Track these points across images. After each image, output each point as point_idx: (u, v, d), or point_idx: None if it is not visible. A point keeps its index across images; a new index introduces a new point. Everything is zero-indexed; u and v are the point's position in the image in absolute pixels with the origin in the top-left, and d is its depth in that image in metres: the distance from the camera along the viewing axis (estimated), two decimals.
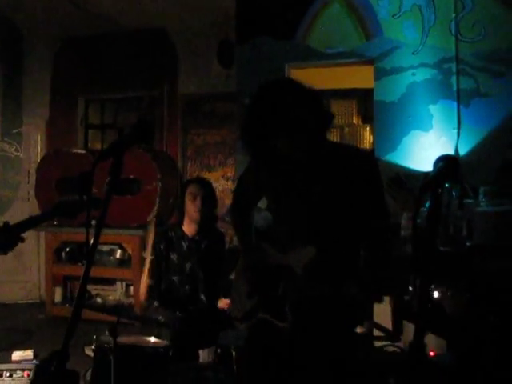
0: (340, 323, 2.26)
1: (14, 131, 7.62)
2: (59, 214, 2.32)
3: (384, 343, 4.13)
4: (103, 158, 1.66)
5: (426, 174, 1.35)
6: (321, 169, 2.24)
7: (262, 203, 2.52)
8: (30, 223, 2.40)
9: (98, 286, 6.76)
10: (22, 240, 2.43)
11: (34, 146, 7.66)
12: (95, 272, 6.58)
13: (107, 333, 3.00)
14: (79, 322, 1.56)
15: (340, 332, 2.27)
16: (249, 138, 2.18)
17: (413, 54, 5.47)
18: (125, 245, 6.49)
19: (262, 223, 2.55)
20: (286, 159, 2.19)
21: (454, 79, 5.37)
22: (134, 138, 1.73)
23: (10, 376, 3.19)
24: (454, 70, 5.36)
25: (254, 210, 2.60)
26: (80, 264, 6.76)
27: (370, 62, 5.68)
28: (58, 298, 6.78)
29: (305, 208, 2.27)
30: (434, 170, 1.40)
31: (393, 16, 5.54)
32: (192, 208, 3.72)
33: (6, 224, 2.40)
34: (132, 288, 6.56)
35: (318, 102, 2.19)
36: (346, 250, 2.28)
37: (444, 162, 1.42)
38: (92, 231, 1.65)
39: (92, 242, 1.63)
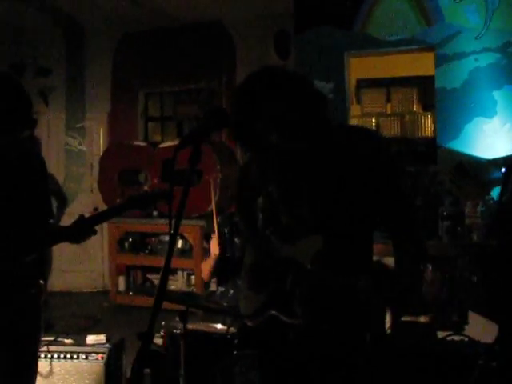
0: (354, 316, 2.13)
1: (78, 125, 7.84)
2: (131, 208, 2.39)
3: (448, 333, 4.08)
4: (183, 145, 1.70)
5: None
6: (324, 155, 2.11)
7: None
8: (104, 216, 2.48)
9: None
10: (95, 232, 2.53)
11: (97, 140, 7.86)
12: (157, 261, 6.74)
13: (177, 319, 3.08)
14: (144, 308, 1.60)
15: (352, 329, 2.14)
16: (238, 138, 2.08)
17: (475, 38, 5.35)
18: (186, 235, 6.59)
19: (268, 215, 2.44)
20: (284, 152, 2.07)
21: None
22: (212, 125, 1.75)
23: (86, 358, 3.32)
24: None
25: (258, 202, 2.44)
26: (142, 254, 6.91)
27: (430, 48, 5.58)
28: (121, 286, 6.95)
29: (311, 196, 2.14)
30: None
31: (454, 1, 5.43)
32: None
33: (81, 217, 2.49)
34: (193, 277, 6.66)
35: (307, 88, 2.05)
36: (357, 241, 2.15)
37: None
38: (158, 222, 1.68)
39: (173, 232, 1.67)
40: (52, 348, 3.36)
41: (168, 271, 1.66)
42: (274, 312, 2.16)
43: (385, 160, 2.10)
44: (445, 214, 4.62)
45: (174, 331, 3.21)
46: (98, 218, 2.53)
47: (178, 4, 6.80)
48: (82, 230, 2.48)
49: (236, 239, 3.83)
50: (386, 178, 2.09)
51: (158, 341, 3.43)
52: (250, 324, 2.28)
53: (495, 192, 4.71)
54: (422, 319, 4.43)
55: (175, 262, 6.81)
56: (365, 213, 2.11)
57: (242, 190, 2.45)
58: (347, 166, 2.08)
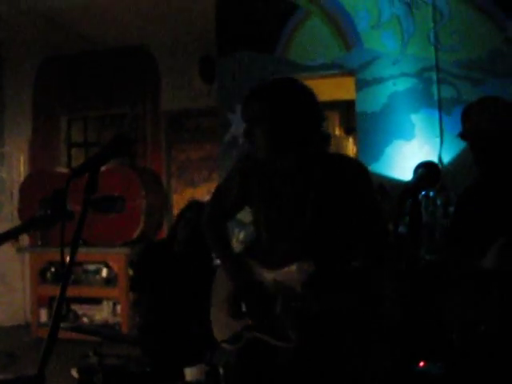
0: (347, 338, 2.19)
1: None
2: (32, 229, 2.31)
3: None
4: (78, 174, 1.63)
5: (407, 181, 1.33)
6: (313, 178, 2.19)
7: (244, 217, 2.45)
8: (4, 237, 2.39)
9: (85, 306, 6.68)
10: None
11: (17, 166, 7.60)
12: (81, 292, 6.53)
13: (91, 354, 2.96)
14: (61, 343, 1.52)
15: (349, 347, 2.20)
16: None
17: (393, 64, 5.50)
18: (111, 263, 6.42)
19: (246, 239, 2.48)
20: (279, 167, 2.17)
21: (434, 88, 5.40)
22: (110, 152, 1.69)
23: None
24: (435, 78, 5.39)
25: (228, 223, 2.50)
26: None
27: (350, 73, 5.69)
28: (43, 319, 6.69)
29: (298, 221, 2.19)
30: (414, 177, 1.39)
31: (372, 27, 5.57)
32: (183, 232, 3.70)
33: None
34: (119, 307, 6.48)
35: (317, 120, 2.23)
36: (343, 262, 2.22)
37: (424, 169, 1.40)
38: (82, 251, 1.62)
39: (68, 260, 1.60)
40: None
41: (62, 303, 1.57)
42: (263, 336, 2.18)
43: (369, 183, 2.25)
44: None
45: (90, 366, 3.08)
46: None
47: (102, 27, 6.70)
48: None
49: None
50: (368, 199, 2.21)
51: (75, 374, 3.30)
52: (228, 348, 2.29)
53: None
54: None
55: (100, 292, 6.62)
56: (351, 233, 2.19)
57: (216, 208, 2.43)
58: (334, 187, 2.17)
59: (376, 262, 2.23)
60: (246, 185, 2.30)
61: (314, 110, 2.24)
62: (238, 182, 2.33)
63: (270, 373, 2.24)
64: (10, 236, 2.51)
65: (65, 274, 1.60)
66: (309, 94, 2.27)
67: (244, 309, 2.23)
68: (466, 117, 2.55)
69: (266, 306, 2.18)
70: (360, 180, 2.22)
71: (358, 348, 2.22)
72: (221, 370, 3.08)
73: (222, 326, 2.34)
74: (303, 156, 2.18)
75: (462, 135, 2.44)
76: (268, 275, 2.22)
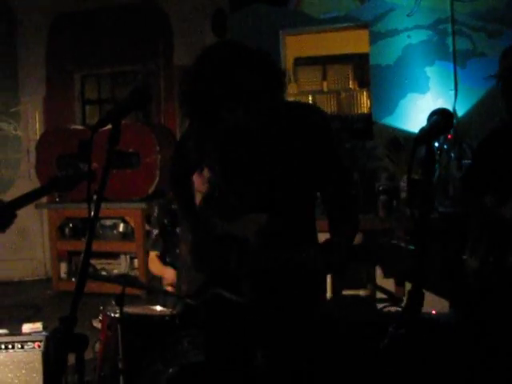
0: (302, 291, 2.15)
1: (12, 110, 7.60)
2: (54, 190, 2.35)
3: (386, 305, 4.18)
4: (101, 125, 1.67)
5: (421, 128, 1.34)
6: (270, 131, 2.09)
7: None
8: (25, 200, 2.42)
9: (103, 260, 6.82)
10: (15, 216, 2.47)
11: (33, 124, 7.65)
12: (99, 246, 6.65)
13: (113, 302, 3.06)
14: (84, 293, 1.59)
15: (303, 301, 2.17)
16: (191, 107, 2.02)
17: (407, 16, 5.44)
18: (127, 218, 6.52)
19: (206, 192, 2.38)
20: (233, 122, 2.02)
21: (449, 40, 5.35)
22: (131, 104, 1.73)
23: (22, 347, 3.25)
24: (450, 30, 5.34)
25: (192, 176, 2.43)
26: (84, 239, 6.78)
27: (364, 25, 5.65)
28: (63, 273, 6.84)
29: (254, 172, 2.13)
30: (427, 124, 1.41)
31: None
32: (198, 180, 3.71)
33: (0, 203, 2.42)
34: (136, 261, 6.61)
35: (266, 62, 2.04)
36: (301, 214, 2.16)
37: (438, 116, 1.42)
38: (93, 205, 1.67)
39: (92, 215, 1.65)
40: None
41: (89, 254, 1.65)
42: (218, 290, 2.14)
43: (326, 131, 2.14)
44: (381, 188, 4.72)
45: (111, 315, 3.18)
46: (19, 201, 2.48)
47: None
48: (2, 216, 2.43)
49: (178, 230, 3.73)
50: (326, 149, 2.12)
51: (97, 325, 3.41)
52: (192, 303, 2.31)
53: None
54: (362, 292, 4.54)
55: (117, 246, 6.74)
56: (306, 186, 2.13)
57: (178, 166, 2.40)
58: (289, 139, 2.08)
59: (350, 224, 2.18)
60: (202, 143, 2.23)
61: (272, 66, 2.07)
62: (192, 142, 2.25)
63: (234, 327, 2.21)
64: (33, 198, 2.52)
65: (90, 227, 1.66)
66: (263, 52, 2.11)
67: (203, 262, 2.20)
68: (503, 57, 2.52)
69: (221, 259, 2.13)
70: (325, 136, 2.14)
71: (307, 302, 2.19)
72: None
73: (186, 280, 2.31)
74: (268, 115, 2.07)
75: (497, 75, 2.40)
76: (225, 228, 2.17)
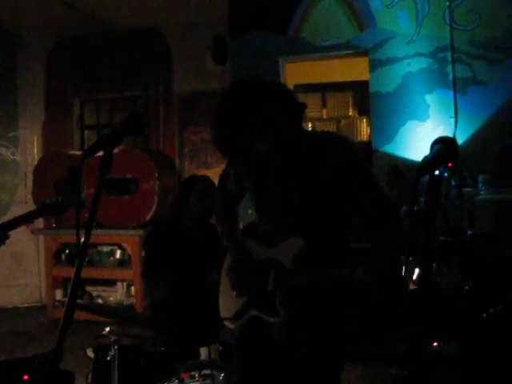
0: (333, 311, 2.21)
1: (10, 134, 7.58)
2: (44, 214, 2.33)
3: None
4: (92, 151, 1.62)
5: (424, 157, 1.30)
6: (298, 160, 2.18)
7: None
8: (16, 222, 2.42)
9: (99, 288, 6.74)
10: (8, 237, 2.46)
11: (31, 149, 7.62)
12: (95, 273, 6.58)
13: (106, 332, 2.97)
14: (76, 323, 1.53)
15: (334, 321, 2.22)
16: (220, 141, 2.11)
17: (407, 43, 5.44)
18: (124, 245, 6.45)
19: (246, 221, 2.52)
20: (262, 157, 2.11)
21: (449, 68, 5.34)
22: (125, 130, 1.69)
23: None
24: (450, 58, 5.34)
25: (237, 210, 2.58)
26: None
27: (364, 53, 5.65)
28: (58, 300, 6.75)
29: (287, 201, 2.22)
30: (431, 152, 1.36)
31: (386, 6, 5.51)
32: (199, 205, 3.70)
33: None
34: (133, 288, 6.53)
35: (285, 95, 2.11)
36: (333, 239, 2.24)
37: (441, 144, 1.38)
38: (96, 233, 1.62)
39: (83, 241, 1.60)
40: None
41: (78, 284, 1.58)
42: (255, 313, 2.24)
43: (357, 159, 2.17)
44: None
45: (103, 345, 3.10)
46: (11, 223, 2.46)
47: (114, 10, 6.67)
48: None
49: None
50: (351, 176, 2.14)
51: (91, 354, 3.33)
52: (231, 326, 2.35)
53: None
54: None
55: (114, 273, 6.66)
56: (336, 213, 2.19)
57: (223, 201, 2.55)
58: (313, 168, 2.16)
59: (395, 247, 2.11)
60: (240, 179, 2.39)
61: (292, 98, 2.14)
62: (233, 179, 2.43)
63: (267, 350, 2.27)
64: (24, 221, 2.54)
65: (80, 255, 1.61)
66: (281, 84, 2.23)
67: (238, 287, 2.32)
68: None
69: (259, 281, 2.22)
70: (350, 159, 2.16)
71: (340, 323, 2.24)
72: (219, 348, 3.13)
73: (225, 303, 2.40)
74: (290, 143, 2.14)
75: None
76: (263, 253, 2.29)
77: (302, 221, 2.20)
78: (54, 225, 6.56)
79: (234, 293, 2.35)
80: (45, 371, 1.39)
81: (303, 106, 2.14)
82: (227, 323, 2.37)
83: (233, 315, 2.33)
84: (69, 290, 1.55)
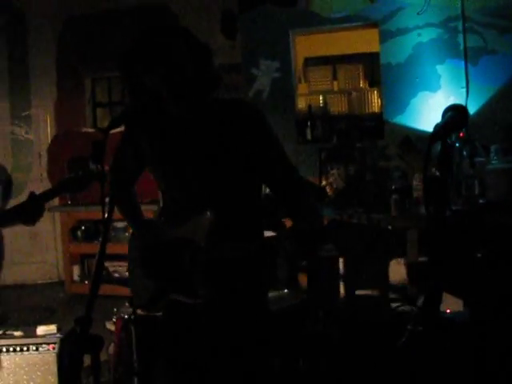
0: (253, 285, 2.12)
1: (23, 114, 7.64)
2: (65, 191, 2.36)
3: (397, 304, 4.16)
4: (116, 124, 1.67)
5: (436, 124, 1.32)
6: (206, 127, 2.07)
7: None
8: (52, 193, 2.42)
9: (115, 263, 6.81)
10: (45, 209, 2.48)
11: (44, 128, 7.68)
12: (111, 249, 6.60)
13: (127, 304, 3.06)
14: (98, 296, 1.60)
15: (253, 295, 2.13)
16: (122, 71, 1.99)
17: (418, 14, 5.41)
18: None
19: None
20: (169, 117, 2.02)
21: (460, 37, 5.32)
22: (148, 104, 1.73)
23: (37, 350, 3.26)
24: (461, 28, 5.32)
25: (134, 184, 2.39)
26: (96, 242, 6.82)
27: (374, 24, 5.63)
28: (76, 276, 6.85)
29: (192, 170, 2.08)
30: (442, 120, 1.40)
31: None
32: None
33: (32, 194, 2.43)
34: None
35: (208, 58, 2.03)
36: (246, 209, 2.12)
37: (452, 112, 1.41)
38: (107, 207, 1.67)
39: (106, 217, 1.66)
40: (0, 342, 3.29)
41: (103, 256, 1.65)
42: (173, 296, 2.07)
43: (265, 127, 2.10)
44: (393, 187, 4.68)
45: (125, 316, 3.19)
46: (47, 194, 2.48)
47: None
48: (35, 208, 2.42)
49: None
50: (262, 142, 2.08)
51: (111, 327, 3.42)
52: (148, 312, 2.26)
53: None
54: (374, 292, 4.51)
55: (127, 248, 6.74)
56: (247, 181, 2.10)
57: (118, 175, 2.31)
58: (223, 135, 2.05)
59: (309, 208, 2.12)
60: (139, 147, 2.18)
61: (200, 47, 2.03)
62: (129, 148, 2.21)
63: (193, 332, 2.15)
64: (45, 199, 2.53)
65: (104, 231, 1.67)
66: (187, 31, 2.05)
67: (155, 269, 2.13)
68: None
69: (174, 263, 2.06)
70: (259, 127, 2.09)
71: (252, 298, 2.14)
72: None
73: (138, 289, 2.22)
74: (195, 103, 2.03)
75: None
76: (174, 232, 2.10)
77: (213, 191, 2.08)
78: (69, 202, 6.65)
79: (145, 278, 2.15)
80: (76, 335, 1.46)
81: (219, 77, 2.07)
82: (141, 310, 2.24)
83: (147, 301, 2.16)
84: (95, 261, 1.62)
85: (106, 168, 2.14)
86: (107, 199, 1.74)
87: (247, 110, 2.11)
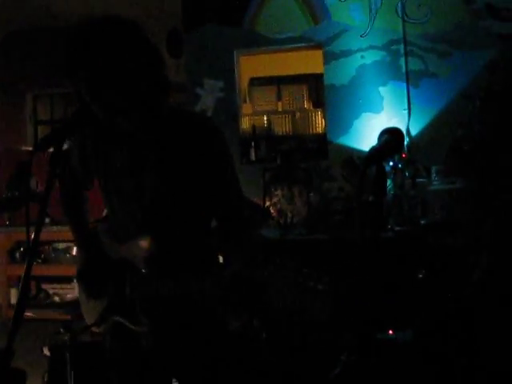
0: (199, 321, 1.98)
1: None
2: (1, 210, 2.26)
3: None
4: (42, 147, 1.59)
5: (371, 147, 1.31)
6: (155, 141, 1.89)
7: None
8: None
9: (56, 285, 6.63)
10: None
11: None
12: (52, 270, 6.46)
13: (62, 330, 2.95)
14: (32, 322, 1.51)
15: (202, 330, 1.99)
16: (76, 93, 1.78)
17: (361, 36, 5.50)
18: None
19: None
20: (118, 130, 1.85)
21: (402, 60, 5.43)
22: (75, 123, 1.65)
23: None
24: (403, 51, 5.42)
25: (84, 198, 2.23)
26: (35, 263, 6.59)
27: (318, 46, 5.69)
28: (14, 299, 6.61)
29: (137, 189, 1.92)
30: (378, 143, 1.39)
31: (340, 0, 5.56)
32: None
33: None
34: None
35: (160, 60, 1.84)
36: (192, 236, 1.96)
37: (388, 135, 1.40)
38: (51, 230, 1.59)
39: (32, 238, 1.58)
40: None
41: (28, 281, 1.56)
42: (118, 318, 1.95)
43: (219, 148, 1.93)
44: (336, 208, 4.71)
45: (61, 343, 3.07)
46: None
47: (67, 2, 6.56)
48: None
49: None
50: (219, 166, 1.92)
51: (47, 352, 3.29)
52: (97, 331, 2.06)
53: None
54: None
55: (71, 270, 6.52)
56: (196, 207, 1.93)
57: (66, 185, 2.17)
58: (176, 152, 1.88)
59: (238, 240, 1.97)
60: (85, 159, 2.03)
61: (151, 51, 1.84)
62: (77, 158, 2.05)
63: (135, 358, 2.02)
64: None
65: (30, 252, 1.59)
66: (140, 31, 1.86)
67: (97, 288, 2.01)
68: (490, 73, 2.51)
69: (116, 284, 1.93)
70: (215, 143, 1.92)
71: (211, 334, 2.01)
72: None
73: (86, 307, 2.09)
74: (145, 114, 1.84)
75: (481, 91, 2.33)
76: (119, 250, 1.98)
77: (156, 212, 1.91)
78: (7, 222, 6.43)
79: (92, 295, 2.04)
80: None
81: (169, 84, 1.86)
82: (94, 328, 2.06)
83: (97, 319, 2.01)
84: (20, 286, 1.53)
85: (40, 188, 2.05)
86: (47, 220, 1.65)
87: (205, 127, 1.93)
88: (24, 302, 1.51)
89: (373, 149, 1.36)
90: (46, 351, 3.32)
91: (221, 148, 1.94)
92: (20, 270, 5.57)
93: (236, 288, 1.73)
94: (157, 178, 1.89)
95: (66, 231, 6.47)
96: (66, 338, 2.92)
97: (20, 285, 1.54)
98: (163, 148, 1.89)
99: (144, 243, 1.89)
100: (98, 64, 1.71)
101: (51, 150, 1.62)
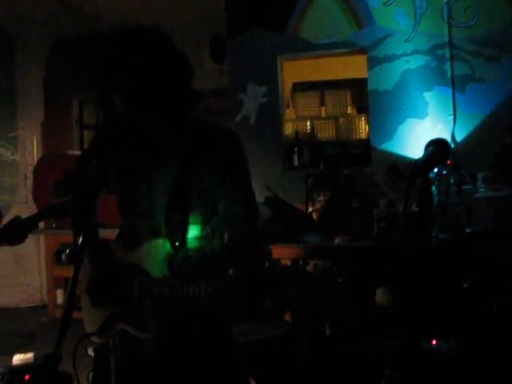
0: (206, 327, 1.97)
1: (10, 135, 7.59)
2: (49, 217, 2.31)
3: None
4: (87, 159, 1.62)
5: (417, 159, 1.30)
6: (176, 148, 1.93)
7: None
8: (36, 218, 2.37)
9: None
10: (27, 234, 2.42)
11: (30, 149, 7.63)
12: None
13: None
14: (77, 323, 1.54)
15: (211, 336, 1.98)
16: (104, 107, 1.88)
17: (405, 41, 5.44)
18: None
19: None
20: (146, 139, 1.90)
21: (448, 65, 5.34)
22: (110, 135, 1.68)
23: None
24: (448, 55, 5.34)
25: (95, 204, 2.24)
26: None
27: (362, 51, 5.65)
28: (60, 300, 6.76)
29: (157, 195, 1.95)
30: (424, 155, 1.37)
31: (384, 4, 5.51)
32: None
33: (17, 218, 2.39)
34: None
35: (190, 76, 1.93)
36: (208, 241, 1.98)
37: (434, 146, 1.38)
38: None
39: (80, 244, 1.61)
40: None
41: (75, 286, 1.59)
42: (123, 326, 1.94)
43: (235, 159, 1.97)
44: (380, 215, 4.65)
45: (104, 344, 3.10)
46: (33, 219, 2.44)
47: (112, 9, 6.68)
48: (19, 231, 2.38)
49: None
50: (236, 176, 1.97)
51: (91, 353, 3.33)
52: (97, 341, 2.06)
53: None
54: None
55: None
56: (217, 210, 1.96)
57: (77, 188, 2.04)
58: (200, 160, 1.92)
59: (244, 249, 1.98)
60: (102, 165, 2.03)
61: (181, 61, 1.93)
62: (95, 161, 2.01)
63: (138, 367, 2.02)
64: (30, 225, 2.47)
65: (77, 256, 1.62)
66: (170, 43, 1.95)
67: (103, 296, 2.00)
68: None
69: (124, 291, 1.92)
70: (232, 154, 1.96)
71: (216, 342, 2.00)
72: None
73: (89, 316, 2.09)
74: (171, 124, 1.91)
75: None
76: (127, 257, 1.99)
77: (173, 218, 1.93)
78: (54, 225, 6.57)
79: (91, 303, 2.03)
80: (44, 373, 1.39)
81: (198, 96, 1.93)
82: (93, 338, 2.03)
83: (98, 329, 1.99)
84: (68, 289, 1.56)
85: None
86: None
87: (225, 138, 1.97)
88: (71, 306, 1.54)
89: (419, 160, 1.34)
90: (91, 352, 3.37)
91: (237, 160, 1.98)
92: (66, 272, 5.77)
93: (240, 288, 1.72)
94: (176, 183, 1.93)
95: (109, 234, 6.59)
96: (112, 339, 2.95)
97: (67, 292, 1.57)
98: (184, 156, 1.93)
99: (160, 246, 1.91)
100: (133, 74, 1.81)
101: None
